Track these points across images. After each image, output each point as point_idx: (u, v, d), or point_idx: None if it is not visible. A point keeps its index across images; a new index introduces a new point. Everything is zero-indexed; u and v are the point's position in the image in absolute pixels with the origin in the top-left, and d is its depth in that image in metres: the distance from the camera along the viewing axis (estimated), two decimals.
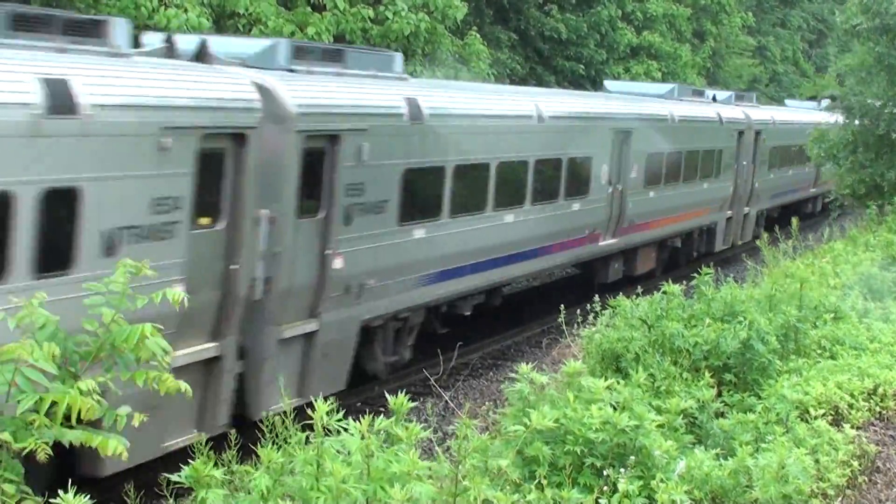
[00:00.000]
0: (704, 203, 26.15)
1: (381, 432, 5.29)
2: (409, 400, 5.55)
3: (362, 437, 5.09)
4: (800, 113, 38.63)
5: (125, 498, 6.64)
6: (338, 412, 5.30)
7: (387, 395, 5.75)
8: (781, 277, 14.53)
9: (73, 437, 5.11)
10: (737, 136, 27.77)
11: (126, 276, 5.67)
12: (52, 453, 4.97)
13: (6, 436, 4.89)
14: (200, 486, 5.19)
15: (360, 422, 5.20)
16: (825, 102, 35.40)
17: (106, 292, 5.61)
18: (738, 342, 9.19)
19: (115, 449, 5.15)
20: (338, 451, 5.14)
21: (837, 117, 26.89)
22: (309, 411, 5.36)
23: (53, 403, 5.05)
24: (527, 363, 7.04)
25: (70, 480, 4.93)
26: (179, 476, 5.27)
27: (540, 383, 6.63)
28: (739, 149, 28.05)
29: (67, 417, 5.14)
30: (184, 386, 5.59)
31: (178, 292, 5.84)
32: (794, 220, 20.34)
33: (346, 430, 5.26)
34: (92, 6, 17.44)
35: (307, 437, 5.43)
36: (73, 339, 5.55)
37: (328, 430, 5.53)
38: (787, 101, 44.70)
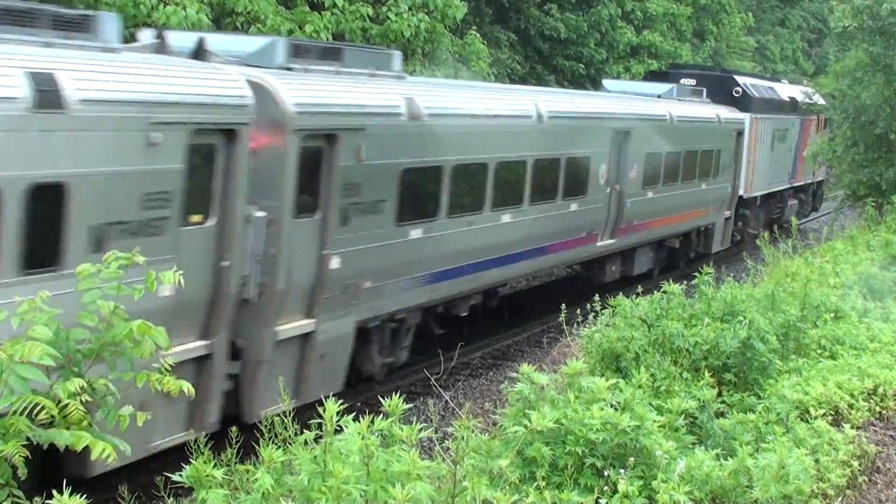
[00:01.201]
0: None
1: (380, 433, 5.27)
2: (406, 401, 5.54)
3: (362, 438, 5.08)
4: (579, 99, 21.52)
5: (119, 499, 6.61)
6: (343, 415, 5.29)
7: (381, 398, 5.73)
8: (782, 277, 14.54)
9: (61, 439, 5.03)
10: (202, 155, 10.81)
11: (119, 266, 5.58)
12: (27, 455, 4.86)
13: None
14: (201, 486, 5.16)
15: (360, 422, 5.19)
16: (671, 88, 25.02)
17: (100, 285, 5.52)
18: (737, 342, 9.18)
19: (101, 452, 5.07)
20: (339, 452, 5.13)
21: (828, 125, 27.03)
22: (319, 409, 5.33)
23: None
24: (527, 363, 7.03)
25: (65, 480, 4.89)
26: (180, 476, 5.25)
27: (540, 384, 6.62)
28: (218, 179, 10.96)
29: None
30: (186, 385, 5.55)
31: (172, 273, 5.70)
32: (794, 220, 20.34)
33: (341, 428, 5.25)
34: (92, 6, 17.43)
35: (316, 437, 5.42)
36: (74, 337, 5.49)
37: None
38: (605, 82, 28.23)
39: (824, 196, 39.39)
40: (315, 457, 5.10)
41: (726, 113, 26.76)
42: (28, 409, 4.92)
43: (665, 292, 10.25)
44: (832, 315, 11.62)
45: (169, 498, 6.20)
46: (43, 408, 4.92)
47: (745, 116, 27.95)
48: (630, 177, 20.71)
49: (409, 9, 23.05)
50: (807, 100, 30.65)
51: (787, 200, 33.75)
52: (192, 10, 17.60)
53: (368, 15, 22.25)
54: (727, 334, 9.23)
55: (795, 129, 33.62)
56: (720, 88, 28.13)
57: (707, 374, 8.51)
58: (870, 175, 25.73)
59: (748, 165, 28.38)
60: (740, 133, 27.44)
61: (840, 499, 7.39)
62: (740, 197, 28.42)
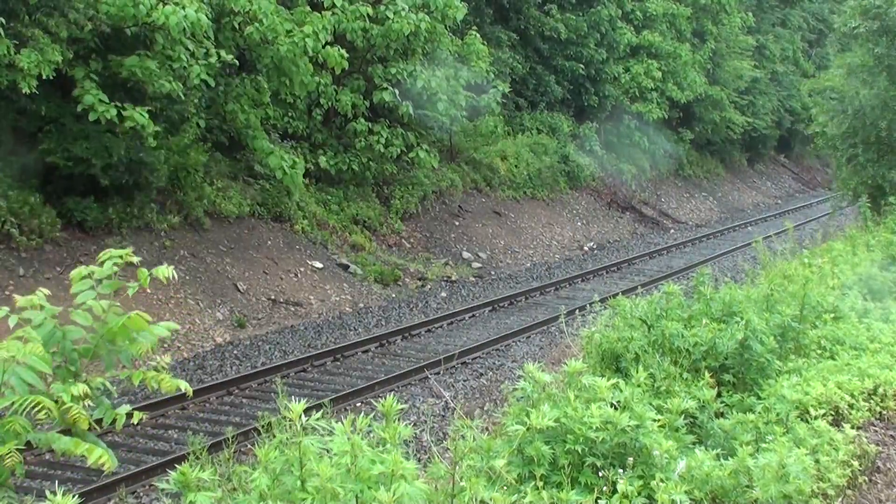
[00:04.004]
0: None
1: (367, 432, 5.24)
2: (406, 401, 5.51)
3: (348, 438, 5.05)
4: None
5: (119, 499, 6.62)
6: (322, 414, 5.27)
7: (376, 399, 5.71)
8: (779, 277, 14.50)
9: (59, 444, 5.01)
10: None
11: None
12: (21, 460, 4.82)
13: None
14: (189, 490, 5.16)
15: (342, 423, 5.16)
16: None
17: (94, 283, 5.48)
18: (735, 343, 9.16)
19: (98, 458, 5.04)
20: (325, 451, 5.09)
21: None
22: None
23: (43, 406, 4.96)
24: (527, 363, 7.01)
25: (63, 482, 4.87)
26: (167, 482, 5.25)
27: (543, 382, 6.60)
28: None
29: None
30: (184, 385, 5.52)
31: (166, 268, 5.67)
32: (788, 222, 20.31)
33: (322, 430, 5.21)
34: (91, 6, 17.41)
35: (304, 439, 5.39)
36: (70, 336, 5.45)
37: (307, 429, 5.49)
38: None
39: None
40: (288, 458, 5.06)
41: None
42: (27, 410, 4.89)
43: (665, 293, 10.24)
44: (832, 315, 11.60)
45: (166, 499, 6.19)
46: (42, 408, 4.89)
47: None
48: None
49: (410, 9, 23.03)
50: None
51: None
52: (192, 10, 17.55)
53: (368, 14, 22.25)
54: (724, 335, 9.21)
55: None
56: None
57: (706, 374, 8.49)
58: (872, 175, 25.73)
59: None
60: None
61: (840, 499, 7.38)
62: None
